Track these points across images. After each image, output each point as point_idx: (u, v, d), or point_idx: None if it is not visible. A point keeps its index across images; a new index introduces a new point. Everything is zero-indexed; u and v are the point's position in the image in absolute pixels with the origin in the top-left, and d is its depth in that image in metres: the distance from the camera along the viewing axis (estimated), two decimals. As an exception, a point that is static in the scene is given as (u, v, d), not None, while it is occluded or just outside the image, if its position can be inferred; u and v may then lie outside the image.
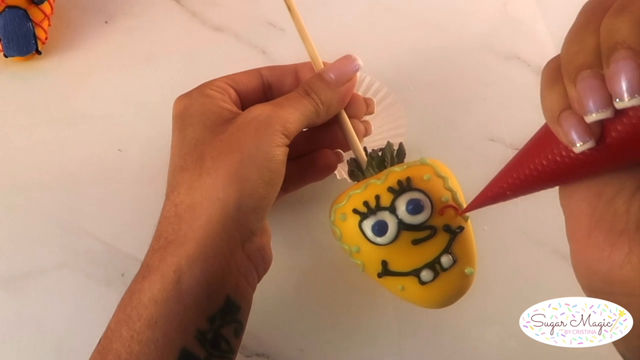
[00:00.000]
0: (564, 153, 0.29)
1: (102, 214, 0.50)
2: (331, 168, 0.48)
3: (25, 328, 0.47)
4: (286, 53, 0.56)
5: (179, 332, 0.36)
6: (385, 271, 0.42)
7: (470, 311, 0.48)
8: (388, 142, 0.46)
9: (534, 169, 0.31)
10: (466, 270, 0.42)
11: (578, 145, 0.27)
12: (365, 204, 0.41)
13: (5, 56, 0.53)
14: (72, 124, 0.53)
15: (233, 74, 0.45)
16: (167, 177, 0.41)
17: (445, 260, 0.41)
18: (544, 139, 0.31)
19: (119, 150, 0.52)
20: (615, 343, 0.30)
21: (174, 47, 0.57)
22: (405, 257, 0.42)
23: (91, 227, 0.50)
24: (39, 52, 0.54)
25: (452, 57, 0.58)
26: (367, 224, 0.41)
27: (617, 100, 0.25)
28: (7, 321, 0.47)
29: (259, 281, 0.42)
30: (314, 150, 0.48)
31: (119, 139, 0.53)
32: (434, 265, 0.41)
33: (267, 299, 0.45)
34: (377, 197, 0.41)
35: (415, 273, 0.41)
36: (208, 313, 0.37)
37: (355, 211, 0.42)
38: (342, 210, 0.43)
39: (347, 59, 0.44)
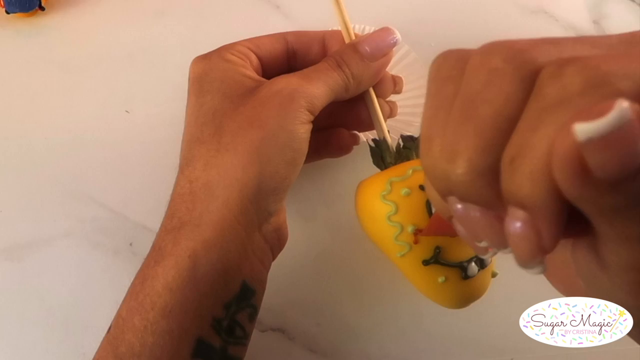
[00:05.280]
0: None
1: (109, 180, 0.49)
2: (346, 149, 0.46)
3: (30, 299, 0.46)
4: (301, 8, 0.53)
5: (194, 321, 0.34)
6: (436, 259, 0.38)
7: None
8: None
9: None
10: (494, 270, 0.40)
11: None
12: None
13: (7, 12, 0.52)
14: (77, 83, 0.51)
15: (255, 38, 0.42)
16: (181, 146, 0.39)
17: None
18: None
19: (127, 111, 0.50)
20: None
21: (184, 2, 0.54)
22: (458, 247, 0.38)
23: (98, 194, 0.48)
24: (42, 8, 0.52)
25: (476, 11, 0.55)
26: None
27: None
28: (11, 292, 0.46)
29: (273, 260, 0.40)
30: (333, 126, 0.45)
31: (126, 100, 0.51)
32: (481, 260, 0.38)
33: (282, 272, 0.44)
34: None
35: (462, 266, 0.38)
36: (224, 300, 0.35)
37: (423, 188, 0.38)
38: (406, 185, 0.38)
39: (385, 31, 0.41)
